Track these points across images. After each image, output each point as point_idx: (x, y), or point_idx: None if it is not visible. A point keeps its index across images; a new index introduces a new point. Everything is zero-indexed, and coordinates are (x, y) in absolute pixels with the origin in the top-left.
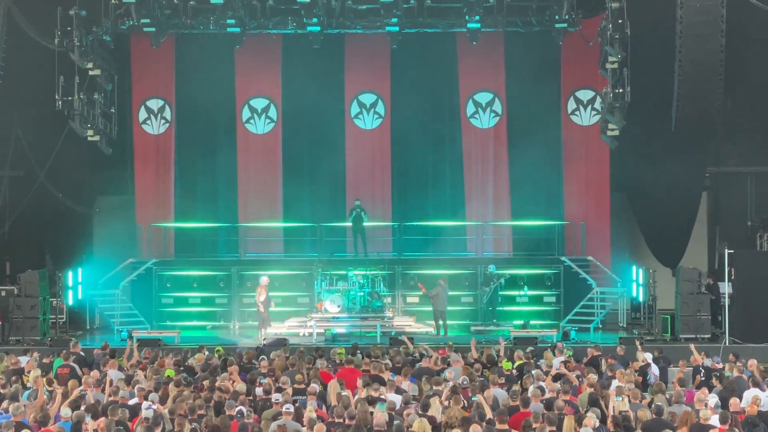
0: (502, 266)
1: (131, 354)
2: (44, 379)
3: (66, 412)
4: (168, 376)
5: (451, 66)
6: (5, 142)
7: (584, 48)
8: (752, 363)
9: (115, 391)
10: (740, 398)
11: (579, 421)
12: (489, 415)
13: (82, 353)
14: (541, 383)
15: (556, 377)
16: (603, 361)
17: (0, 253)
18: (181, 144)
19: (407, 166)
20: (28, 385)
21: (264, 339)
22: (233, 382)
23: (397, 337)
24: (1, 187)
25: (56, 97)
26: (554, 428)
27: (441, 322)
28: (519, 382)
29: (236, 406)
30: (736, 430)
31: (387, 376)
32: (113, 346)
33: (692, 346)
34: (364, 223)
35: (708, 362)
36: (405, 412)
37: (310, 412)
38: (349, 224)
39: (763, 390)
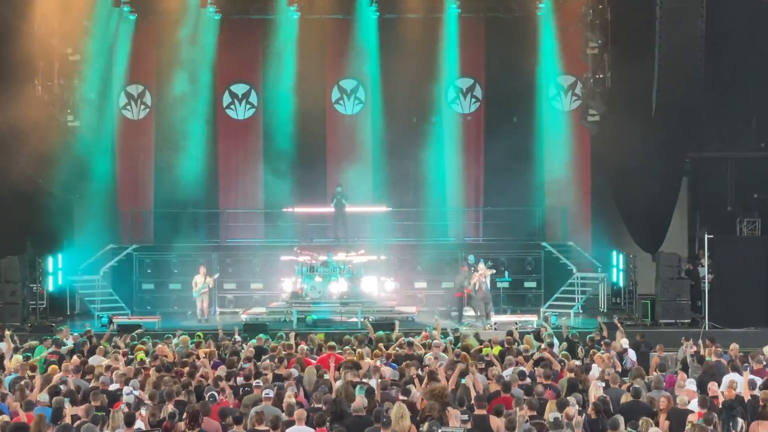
0: (482, 251)
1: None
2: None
3: (44, 397)
4: (141, 360)
5: (431, 51)
6: None
7: (565, 33)
8: (733, 347)
9: (97, 376)
10: (719, 382)
11: (561, 406)
12: (473, 400)
13: (67, 341)
14: (522, 368)
15: (538, 361)
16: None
17: None
18: (161, 129)
19: (388, 152)
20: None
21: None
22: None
23: (380, 322)
24: None
25: (36, 82)
26: (535, 413)
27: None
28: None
29: (213, 391)
30: (714, 413)
31: (367, 361)
32: (95, 332)
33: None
34: (346, 209)
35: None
36: (385, 398)
37: (289, 397)
38: (331, 210)
39: (741, 374)
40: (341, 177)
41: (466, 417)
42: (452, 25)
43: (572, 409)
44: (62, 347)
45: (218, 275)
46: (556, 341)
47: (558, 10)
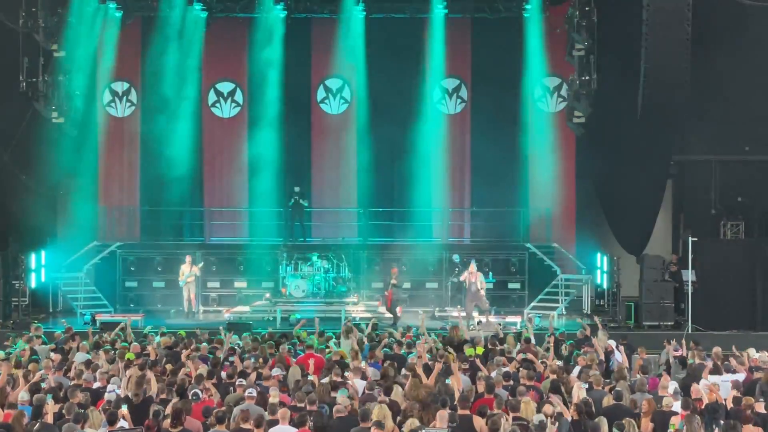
0: (466, 252)
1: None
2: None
3: (24, 395)
4: (128, 359)
5: (418, 51)
6: None
7: (551, 35)
8: (716, 350)
9: (79, 374)
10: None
11: (541, 407)
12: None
13: (43, 336)
14: (506, 369)
15: (521, 362)
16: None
17: None
18: (146, 127)
19: (373, 151)
20: None
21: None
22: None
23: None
24: None
25: (21, 78)
26: (518, 414)
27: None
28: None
29: (195, 389)
30: (697, 416)
31: (355, 363)
32: (76, 330)
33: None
34: (305, 209)
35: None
36: (367, 398)
37: (273, 397)
38: (315, 209)
39: (722, 376)
40: (325, 175)
41: (454, 424)
42: (438, 25)
43: (550, 408)
44: (37, 344)
45: (202, 264)
46: (532, 339)
47: (544, 12)
